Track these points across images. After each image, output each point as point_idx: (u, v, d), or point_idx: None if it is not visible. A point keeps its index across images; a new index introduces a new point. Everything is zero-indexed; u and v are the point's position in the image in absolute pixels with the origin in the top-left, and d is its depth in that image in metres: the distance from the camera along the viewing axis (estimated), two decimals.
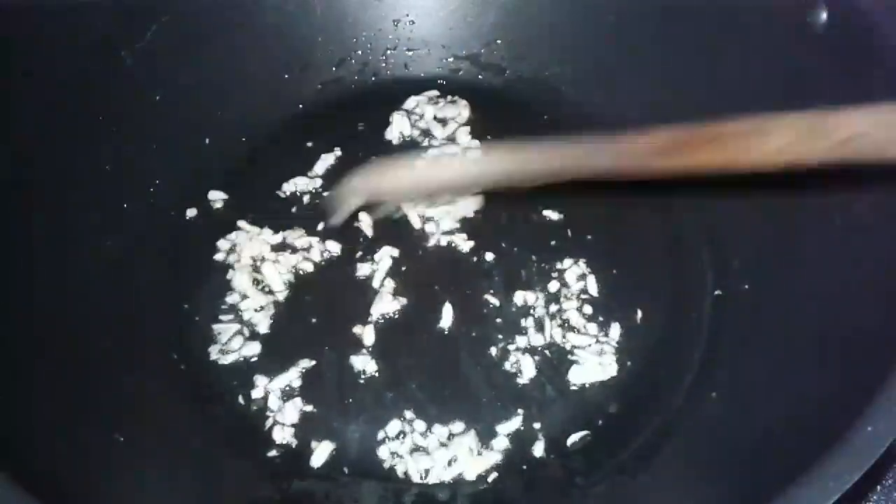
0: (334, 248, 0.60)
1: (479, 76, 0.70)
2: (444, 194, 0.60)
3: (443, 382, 0.54)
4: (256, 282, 0.58)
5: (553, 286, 0.58)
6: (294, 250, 0.60)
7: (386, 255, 0.59)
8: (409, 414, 0.52)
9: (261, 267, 0.59)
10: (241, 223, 0.61)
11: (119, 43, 0.59)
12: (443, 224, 0.61)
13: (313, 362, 0.55)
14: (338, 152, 0.65)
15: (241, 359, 0.55)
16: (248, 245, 0.60)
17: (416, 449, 0.51)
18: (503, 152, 0.50)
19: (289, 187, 0.63)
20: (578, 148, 0.47)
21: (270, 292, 0.58)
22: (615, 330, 0.56)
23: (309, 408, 0.53)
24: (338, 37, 0.68)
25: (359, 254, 0.60)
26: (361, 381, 0.54)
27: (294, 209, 0.62)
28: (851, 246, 0.49)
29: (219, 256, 0.60)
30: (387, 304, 0.57)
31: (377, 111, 0.67)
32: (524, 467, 0.51)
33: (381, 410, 0.53)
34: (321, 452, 0.51)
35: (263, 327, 0.56)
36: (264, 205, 0.62)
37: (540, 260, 0.59)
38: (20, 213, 0.52)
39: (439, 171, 0.57)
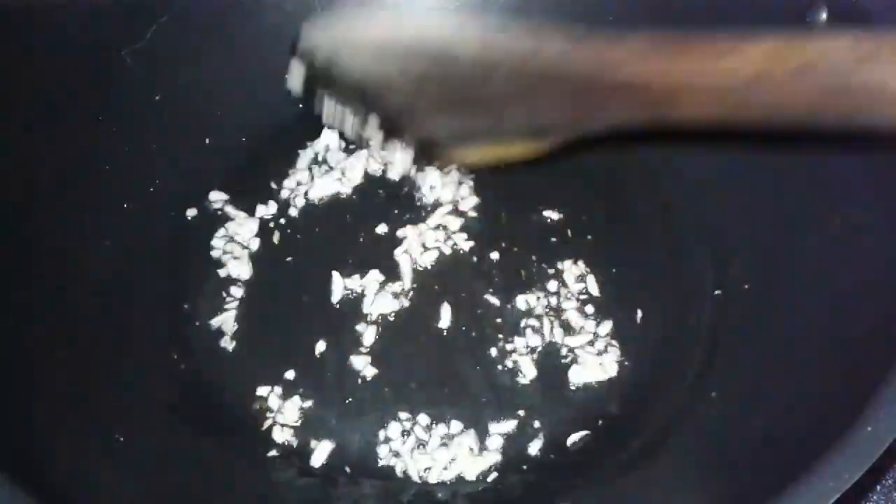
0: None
1: None
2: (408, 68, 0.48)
3: (442, 382, 0.54)
4: (254, 276, 0.58)
5: (553, 286, 0.58)
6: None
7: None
8: (408, 414, 0.52)
9: (249, 247, 0.60)
10: (229, 209, 0.61)
11: (119, 43, 0.59)
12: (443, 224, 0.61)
13: (313, 362, 0.55)
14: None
15: (241, 358, 0.55)
16: (240, 230, 0.60)
17: (416, 448, 0.51)
18: (488, 31, 0.45)
19: (289, 186, 0.63)
20: (558, 42, 0.43)
21: (270, 291, 0.58)
22: (615, 330, 0.56)
23: (309, 407, 0.53)
24: None
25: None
26: (361, 381, 0.54)
27: (294, 209, 0.62)
28: (851, 246, 0.49)
29: (216, 254, 0.60)
30: (387, 304, 0.57)
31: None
32: (524, 467, 0.51)
33: (380, 410, 0.53)
34: (321, 452, 0.51)
35: (264, 327, 0.56)
36: (264, 205, 0.62)
37: (540, 260, 0.59)
38: (20, 212, 0.52)
39: (413, 31, 0.47)
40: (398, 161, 0.61)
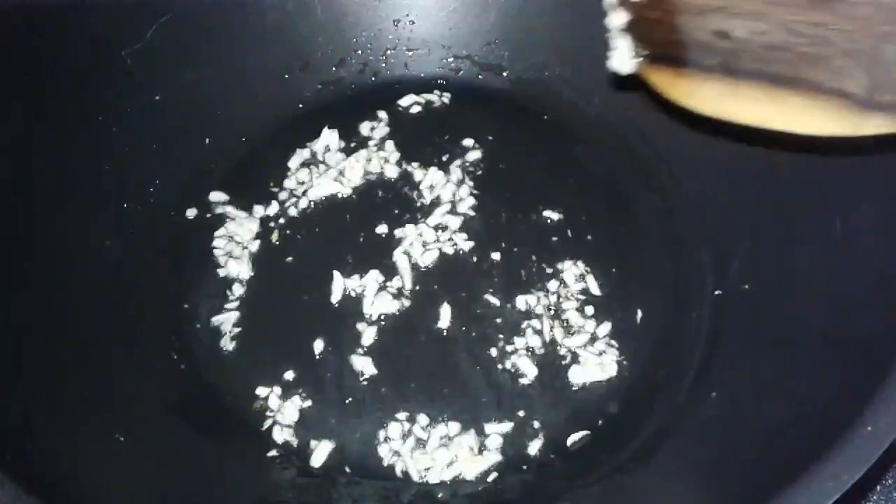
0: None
1: (479, 76, 0.70)
2: None
3: (442, 382, 0.54)
4: (254, 276, 0.58)
5: (553, 286, 0.58)
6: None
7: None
8: (408, 414, 0.52)
9: (249, 247, 0.60)
10: (229, 209, 0.61)
11: (119, 43, 0.59)
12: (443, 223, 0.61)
13: (313, 362, 0.55)
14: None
15: (241, 358, 0.55)
16: (240, 230, 0.60)
17: (416, 448, 0.51)
18: None
19: (289, 186, 0.63)
20: None
21: (270, 291, 0.58)
22: (615, 330, 0.56)
23: (309, 407, 0.53)
24: (338, 37, 0.68)
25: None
26: (361, 381, 0.54)
27: (294, 209, 0.62)
28: (851, 246, 0.49)
29: (216, 254, 0.60)
30: (387, 304, 0.57)
31: (377, 111, 0.67)
32: (524, 467, 0.51)
33: (380, 410, 0.53)
34: (321, 452, 0.51)
35: (264, 326, 0.56)
36: (264, 205, 0.62)
37: (540, 260, 0.59)
38: (20, 212, 0.52)
39: None
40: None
